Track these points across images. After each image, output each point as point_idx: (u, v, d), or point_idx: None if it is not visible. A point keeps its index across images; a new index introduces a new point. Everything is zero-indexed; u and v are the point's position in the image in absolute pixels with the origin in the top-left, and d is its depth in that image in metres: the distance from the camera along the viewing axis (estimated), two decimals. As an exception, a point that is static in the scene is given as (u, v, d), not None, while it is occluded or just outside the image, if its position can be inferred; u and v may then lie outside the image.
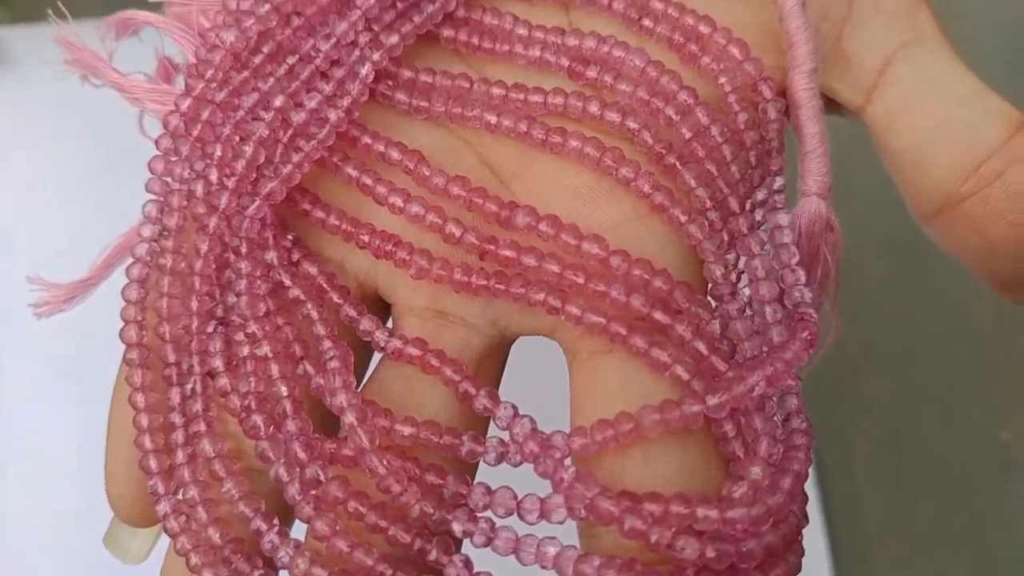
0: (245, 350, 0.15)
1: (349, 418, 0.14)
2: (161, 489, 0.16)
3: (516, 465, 0.14)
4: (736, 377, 0.13)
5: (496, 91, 0.17)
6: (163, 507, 0.15)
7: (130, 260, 0.17)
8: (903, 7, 0.16)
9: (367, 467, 0.13)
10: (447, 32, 0.18)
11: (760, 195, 0.17)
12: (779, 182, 0.17)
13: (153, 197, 0.17)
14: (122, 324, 0.17)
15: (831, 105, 0.17)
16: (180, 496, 0.15)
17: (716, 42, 0.16)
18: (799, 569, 0.13)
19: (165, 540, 0.17)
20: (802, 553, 0.13)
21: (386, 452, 0.14)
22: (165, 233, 0.17)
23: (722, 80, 0.16)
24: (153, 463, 0.16)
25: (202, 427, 0.15)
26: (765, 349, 0.15)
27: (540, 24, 0.17)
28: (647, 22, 0.17)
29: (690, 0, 0.17)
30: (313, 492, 0.14)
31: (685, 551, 0.12)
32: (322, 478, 0.14)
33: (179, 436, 0.16)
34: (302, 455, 0.14)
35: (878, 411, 0.31)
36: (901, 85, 0.16)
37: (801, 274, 0.16)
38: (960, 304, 0.30)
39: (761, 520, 0.12)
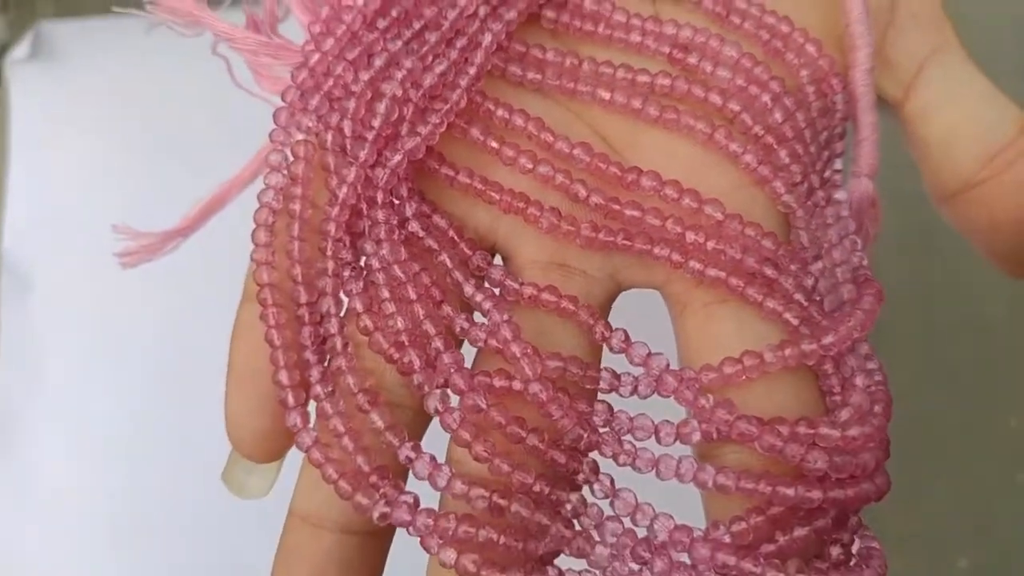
0: (386, 292, 0.16)
1: (514, 349, 0.15)
2: (299, 422, 0.17)
3: (644, 397, 0.16)
4: (832, 327, 0.16)
5: (605, 70, 0.19)
6: (305, 439, 0.16)
7: (256, 207, 0.18)
8: (934, 19, 0.20)
9: (530, 393, 0.15)
10: (549, 13, 0.19)
11: (827, 174, 0.19)
12: (838, 163, 0.20)
13: (276, 147, 0.18)
14: (254, 265, 0.17)
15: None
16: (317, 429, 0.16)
17: (795, 40, 0.19)
18: (890, 487, 0.15)
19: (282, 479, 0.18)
20: (889, 479, 0.16)
21: (543, 378, 0.15)
22: (293, 181, 0.17)
23: (803, 73, 0.19)
24: (291, 398, 0.17)
25: (343, 363, 0.17)
26: (842, 301, 0.18)
27: (636, 12, 0.19)
28: (734, 18, 0.19)
29: (768, 2, 0.19)
30: (471, 418, 0.15)
31: (817, 463, 0.14)
32: (482, 404, 0.15)
33: (315, 372, 0.17)
34: (462, 385, 0.15)
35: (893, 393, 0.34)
36: (933, 85, 0.19)
37: (859, 242, 0.19)
38: (971, 294, 0.33)
39: (869, 437, 0.15)
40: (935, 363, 0.35)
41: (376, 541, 0.16)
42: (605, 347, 0.17)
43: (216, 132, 0.35)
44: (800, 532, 0.15)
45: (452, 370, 0.16)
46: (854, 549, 0.15)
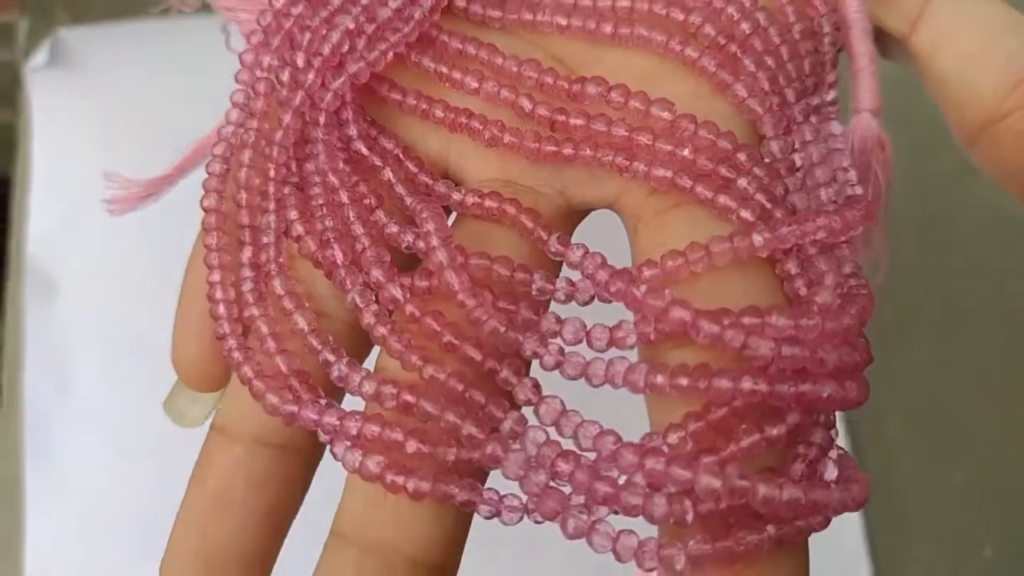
0: (321, 199, 0.16)
1: (433, 241, 0.14)
2: (228, 329, 0.16)
3: (584, 304, 0.15)
4: (799, 219, 0.14)
5: None
6: (230, 343, 0.16)
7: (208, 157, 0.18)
8: None
9: (445, 282, 0.14)
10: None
11: (814, 101, 0.18)
12: (832, 95, 0.18)
13: (240, 87, 0.18)
14: (203, 194, 0.17)
15: (877, 38, 0.19)
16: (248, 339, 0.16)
17: (772, -40, 0.18)
18: (867, 397, 0.13)
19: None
20: (867, 389, 0.13)
21: (470, 284, 0.14)
22: (250, 116, 0.18)
23: (778, -8, 0.18)
24: (222, 309, 0.16)
25: (273, 268, 0.16)
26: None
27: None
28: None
29: None
30: (389, 312, 0.14)
31: (760, 349, 0.12)
32: (399, 296, 0.14)
33: (249, 285, 0.16)
34: (381, 277, 0.14)
35: (913, 384, 0.31)
36: (944, 14, 0.18)
37: (853, 174, 0.17)
38: (993, 280, 0.31)
39: (831, 332, 0.13)
40: (957, 348, 0.32)
41: (294, 457, 0.15)
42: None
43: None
44: (747, 441, 0.12)
45: (373, 264, 0.15)
46: (827, 472, 0.13)
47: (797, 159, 0.16)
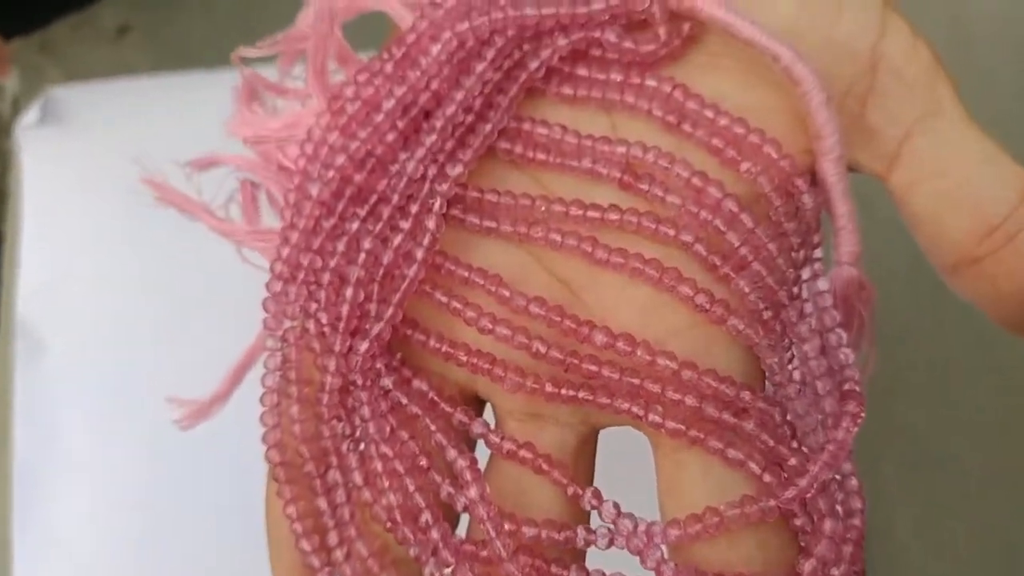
0: (380, 467, 0.18)
1: (488, 528, 0.17)
2: (328, 580, 0.19)
3: (623, 548, 0.17)
4: (800, 468, 0.16)
5: (556, 208, 0.19)
6: (332, 600, 0.19)
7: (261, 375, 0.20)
8: (922, 79, 0.18)
9: (505, 573, 0.16)
10: (504, 145, 0.19)
11: (806, 274, 0.19)
12: (818, 253, 0.19)
13: (269, 332, 0.20)
14: (265, 447, 0.19)
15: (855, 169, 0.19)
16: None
17: (751, 143, 0.18)
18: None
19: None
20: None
21: (517, 554, 0.17)
22: (288, 364, 0.19)
23: (761, 180, 0.18)
24: (315, 561, 0.19)
25: (353, 532, 0.19)
26: (820, 418, 0.18)
27: (588, 133, 0.19)
28: (686, 127, 0.18)
29: (725, 92, 0.18)
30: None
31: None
32: (470, 577, 0.17)
33: (334, 537, 0.19)
34: (451, 559, 0.17)
35: (910, 435, 0.33)
36: (920, 155, 0.18)
37: (843, 335, 0.19)
38: (987, 329, 0.31)
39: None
40: (954, 398, 0.33)
41: None
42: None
43: (226, 194, 0.35)
44: None
45: (440, 544, 0.17)
46: None
47: (794, 359, 0.18)
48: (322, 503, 0.19)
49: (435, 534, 0.17)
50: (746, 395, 0.17)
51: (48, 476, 0.34)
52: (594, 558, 0.18)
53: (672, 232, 0.18)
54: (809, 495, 0.16)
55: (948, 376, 0.34)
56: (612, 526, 0.17)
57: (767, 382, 0.18)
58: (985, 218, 0.17)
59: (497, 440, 0.18)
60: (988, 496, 0.33)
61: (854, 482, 0.17)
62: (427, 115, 0.19)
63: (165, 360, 0.35)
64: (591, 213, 0.18)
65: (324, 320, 0.19)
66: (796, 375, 0.18)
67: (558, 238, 0.18)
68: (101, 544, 0.34)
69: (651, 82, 0.19)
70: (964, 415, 0.34)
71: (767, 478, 0.16)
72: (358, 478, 0.19)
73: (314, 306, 0.19)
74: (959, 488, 0.33)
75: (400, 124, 0.19)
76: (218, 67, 0.37)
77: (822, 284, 0.19)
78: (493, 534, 0.17)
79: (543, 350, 0.18)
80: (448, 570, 0.17)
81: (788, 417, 0.17)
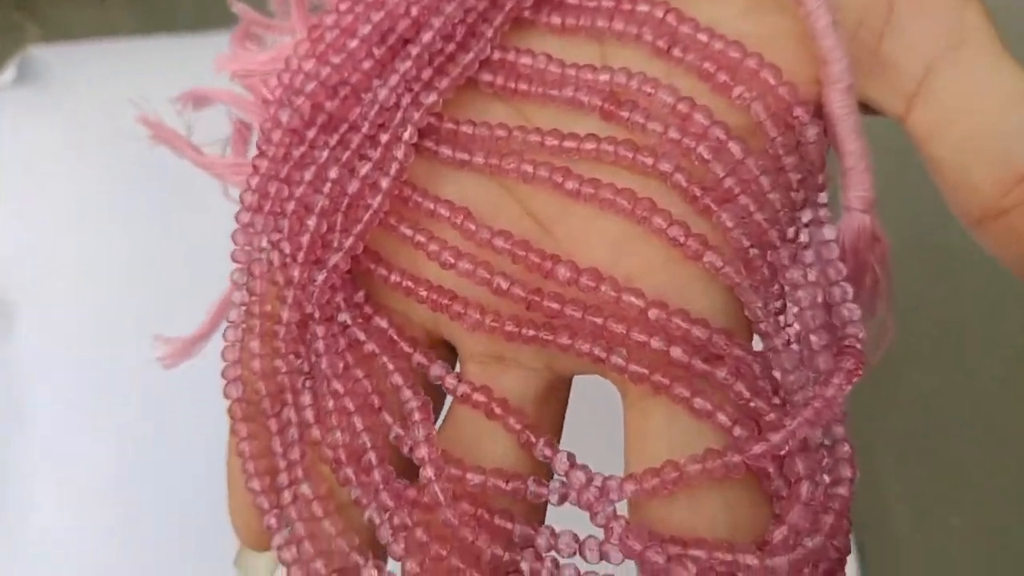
0: (331, 404, 0.17)
1: (428, 472, 0.15)
2: (274, 523, 0.18)
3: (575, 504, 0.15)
4: (777, 424, 0.14)
5: (532, 138, 0.17)
6: (277, 540, 0.18)
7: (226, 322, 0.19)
8: (949, 5, 0.16)
9: (442, 519, 0.15)
10: (485, 77, 0.18)
11: (806, 216, 0.17)
12: (822, 197, 0.17)
13: (238, 265, 0.19)
14: (225, 382, 0.19)
15: (870, 109, 0.17)
16: (289, 531, 0.18)
17: (748, 67, 0.16)
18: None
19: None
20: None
21: (459, 500, 0.15)
22: (253, 298, 0.19)
23: (756, 107, 0.16)
24: (264, 502, 0.18)
25: (300, 473, 0.18)
26: (811, 375, 0.15)
27: (573, 62, 0.17)
28: (676, 51, 0.17)
29: (724, 18, 0.17)
30: (403, 534, 0.16)
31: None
32: (408, 523, 0.16)
33: (284, 478, 0.18)
34: (389, 503, 0.16)
35: (908, 423, 0.30)
36: (944, 93, 0.16)
37: (849, 290, 0.16)
38: (992, 315, 0.28)
39: (801, 563, 0.13)
40: (954, 385, 0.30)
41: None
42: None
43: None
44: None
45: (380, 487, 0.16)
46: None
47: (785, 311, 0.16)
48: (276, 443, 0.18)
49: (377, 476, 0.16)
50: (720, 340, 0.15)
51: (15, 455, 0.32)
52: (567, 519, 0.16)
53: (650, 161, 0.16)
54: (783, 453, 0.14)
55: (947, 364, 0.30)
56: (564, 479, 0.15)
57: (756, 335, 0.16)
58: (1014, 166, 0.15)
59: (454, 383, 0.17)
60: (987, 490, 0.30)
61: (846, 448, 0.15)
62: (406, 43, 0.18)
63: (138, 334, 0.32)
64: (567, 143, 0.17)
65: (287, 250, 0.18)
66: (790, 328, 0.16)
67: (530, 169, 0.17)
68: (71, 527, 0.32)
69: (643, 7, 0.17)
70: (963, 405, 0.30)
71: (738, 431, 0.14)
72: (310, 416, 0.18)
73: (277, 236, 0.18)
74: (957, 482, 0.30)
75: (377, 52, 0.18)
76: (204, 30, 0.35)
77: (828, 232, 0.17)
78: (432, 476, 0.15)
79: (504, 286, 0.16)
80: (386, 515, 0.16)
81: (773, 371, 0.15)
